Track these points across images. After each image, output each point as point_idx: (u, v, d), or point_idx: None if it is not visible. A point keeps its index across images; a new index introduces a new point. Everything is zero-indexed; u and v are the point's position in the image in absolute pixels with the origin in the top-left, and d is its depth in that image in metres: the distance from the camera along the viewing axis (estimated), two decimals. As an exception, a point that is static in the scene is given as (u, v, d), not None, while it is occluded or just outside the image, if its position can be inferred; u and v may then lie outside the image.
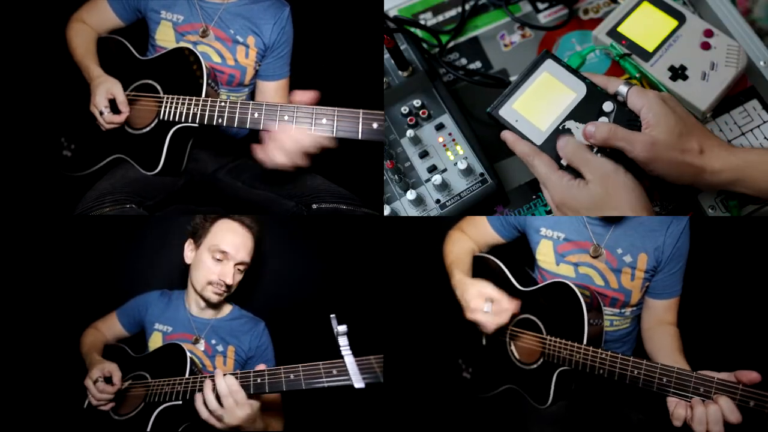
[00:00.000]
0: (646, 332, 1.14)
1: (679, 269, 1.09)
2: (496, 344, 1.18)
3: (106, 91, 1.12)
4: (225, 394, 0.92)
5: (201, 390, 0.94)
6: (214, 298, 1.16)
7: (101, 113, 1.12)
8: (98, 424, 1.08)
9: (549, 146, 0.94)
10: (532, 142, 0.95)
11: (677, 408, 0.87)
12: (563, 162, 0.92)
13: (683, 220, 1.07)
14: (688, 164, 0.87)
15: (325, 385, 0.91)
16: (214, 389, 0.92)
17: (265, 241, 1.47)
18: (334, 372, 0.91)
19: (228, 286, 1.15)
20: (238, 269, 1.17)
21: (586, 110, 0.94)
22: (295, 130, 0.99)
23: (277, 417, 1.15)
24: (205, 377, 0.98)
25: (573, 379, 1.07)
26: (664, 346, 1.08)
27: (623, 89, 0.92)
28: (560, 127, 0.95)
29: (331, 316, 0.94)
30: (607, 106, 0.93)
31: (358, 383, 0.87)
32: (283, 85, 1.34)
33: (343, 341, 0.92)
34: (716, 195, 1.04)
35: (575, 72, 0.97)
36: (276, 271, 1.50)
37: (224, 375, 0.93)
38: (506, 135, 0.97)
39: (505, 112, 0.98)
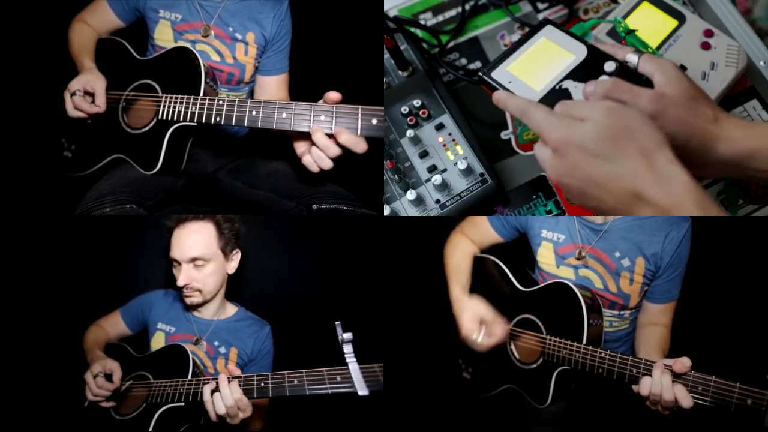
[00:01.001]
0: (637, 330, 1.15)
1: (678, 275, 1.09)
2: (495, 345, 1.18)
3: (86, 82, 1.11)
4: (239, 397, 0.94)
5: (217, 390, 0.95)
6: (188, 301, 1.17)
7: (73, 95, 1.11)
8: (99, 424, 1.08)
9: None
10: None
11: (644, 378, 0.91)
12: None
13: (684, 227, 1.05)
14: (699, 127, 0.79)
15: (329, 391, 0.90)
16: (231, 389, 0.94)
17: (265, 241, 1.48)
18: (338, 378, 0.90)
19: (189, 287, 1.14)
20: (195, 265, 1.13)
21: (585, 71, 0.87)
22: (347, 135, 0.97)
23: (259, 419, 1.16)
24: (208, 379, 0.98)
25: (572, 378, 1.08)
26: (646, 342, 1.09)
27: (633, 57, 0.86)
28: (557, 87, 0.87)
29: (336, 323, 0.93)
30: (609, 66, 0.86)
31: (362, 391, 0.87)
32: (284, 80, 1.33)
33: (347, 348, 0.92)
34: (716, 195, 1.04)
35: (577, 36, 0.91)
36: (276, 271, 1.51)
37: (229, 382, 0.95)
38: (498, 94, 0.87)
39: (498, 74, 0.92)
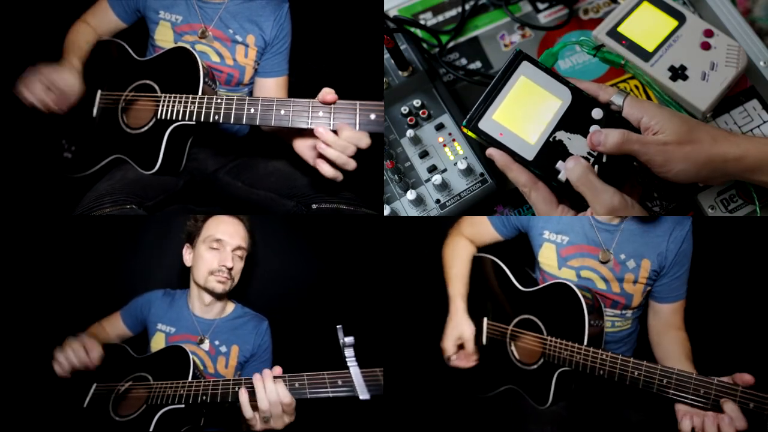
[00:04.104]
0: (654, 337, 1.14)
1: (684, 272, 1.10)
2: (496, 344, 1.18)
3: (53, 76, 1.11)
4: (275, 401, 0.91)
5: (247, 387, 0.93)
6: (219, 288, 1.17)
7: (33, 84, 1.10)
8: (98, 425, 1.08)
9: (540, 161, 0.89)
10: (522, 158, 0.89)
11: (683, 420, 0.88)
12: (561, 177, 0.88)
13: (686, 224, 1.06)
14: (704, 155, 0.83)
15: (330, 395, 0.90)
16: (264, 389, 0.91)
17: (265, 241, 1.48)
18: (339, 382, 0.90)
19: (229, 272, 1.17)
20: (237, 255, 1.19)
21: (574, 119, 0.90)
22: (350, 131, 0.96)
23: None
24: (210, 381, 0.97)
25: (573, 379, 1.07)
26: (673, 353, 1.09)
27: (618, 99, 0.89)
28: (551, 139, 0.89)
29: (338, 326, 0.93)
30: (596, 113, 0.89)
31: (363, 395, 0.87)
32: (283, 83, 1.33)
33: (349, 352, 0.92)
34: (716, 195, 1.04)
35: (556, 75, 0.91)
36: (275, 270, 1.51)
37: (275, 380, 0.92)
38: (494, 154, 0.90)
39: (486, 124, 0.90)
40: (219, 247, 1.18)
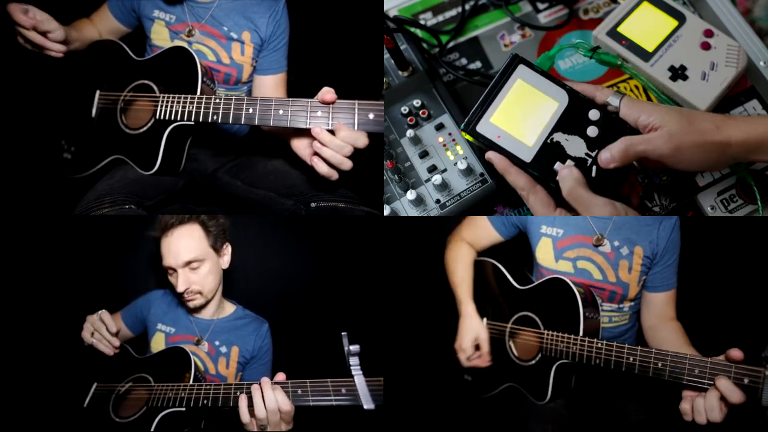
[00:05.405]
0: (649, 330, 1.15)
1: (674, 261, 1.12)
2: (495, 343, 1.19)
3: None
4: (273, 409, 0.90)
5: (247, 393, 0.93)
6: (191, 305, 1.17)
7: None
8: (98, 425, 1.08)
9: (538, 163, 0.89)
10: (520, 160, 0.89)
11: (683, 402, 0.88)
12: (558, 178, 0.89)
13: (673, 218, 1.09)
14: (710, 143, 0.84)
15: (333, 403, 0.89)
16: (263, 397, 0.90)
17: (264, 241, 1.48)
18: (343, 391, 0.90)
19: (190, 291, 1.14)
20: (191, 268, 1.14)
21: (571, 120, 0.90)
22: (347, 131, 0.96)
23: None
24: (243, 384, 0.97)
25: (571, 373, 1.09)
26: (673, 341, 1.09)
27: (614, 100, 0.89)
28: (548, 141, 0.89)
29: (343, 333, 0.92)
30: (593, 114, 0.89)
31: (368, 404, 0.86)
32: (281, 80, 1.32)
33: (354, 361, 0.91)
34: (716, 195, 1.04)
35: (552, 78, 0.91)
36: (274, 270, 1.50)
37: (273, 388, 0.91)
38: (493, 157, 0.91)
39: (484, 127, 0.91)
40: (171, 272, 1.15)
